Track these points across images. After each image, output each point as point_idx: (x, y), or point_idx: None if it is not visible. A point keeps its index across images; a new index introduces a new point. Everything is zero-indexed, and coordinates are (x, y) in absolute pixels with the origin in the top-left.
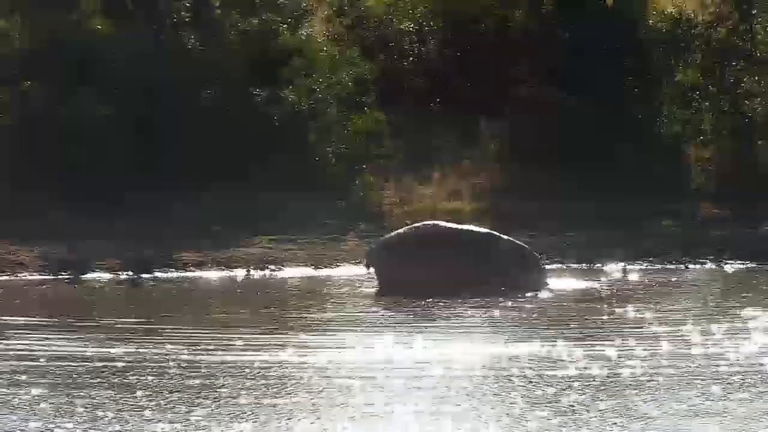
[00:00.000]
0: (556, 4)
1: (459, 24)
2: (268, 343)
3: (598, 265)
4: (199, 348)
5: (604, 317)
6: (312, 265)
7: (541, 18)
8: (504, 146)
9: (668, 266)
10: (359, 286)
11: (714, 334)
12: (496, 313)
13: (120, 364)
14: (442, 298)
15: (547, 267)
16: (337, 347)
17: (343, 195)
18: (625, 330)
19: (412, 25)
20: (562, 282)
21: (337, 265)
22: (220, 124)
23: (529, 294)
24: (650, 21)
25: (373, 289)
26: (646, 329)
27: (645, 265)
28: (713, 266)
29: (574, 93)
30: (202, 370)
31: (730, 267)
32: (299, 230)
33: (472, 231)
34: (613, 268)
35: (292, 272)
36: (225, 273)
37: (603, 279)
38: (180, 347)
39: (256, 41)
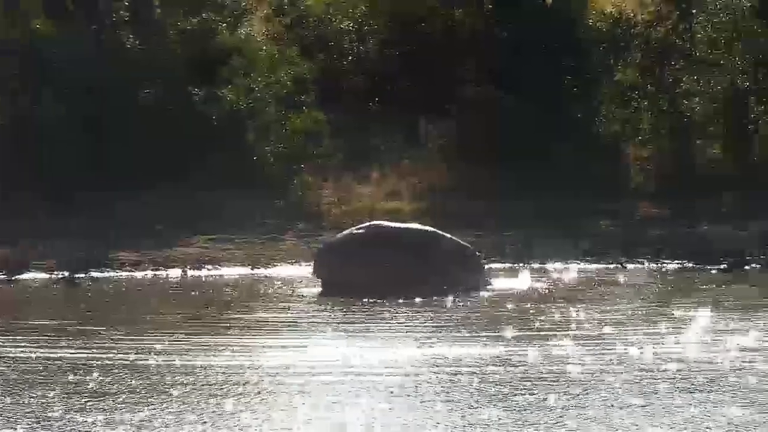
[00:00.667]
0: (494, 4)
1: (401, 24)
2: (210, 344)
3: (539, 264)
4: (141, 350)
5: (545, 317)
6: (249, 264)
7: (481, 18)
8: (447, 146)
9: (607, 265)
10: (298, 287)
11: (655, 333)
12: (437, 313)
13: (64, 366)
14: (383, 298)
15: (488, 266)
16: (280, 348)
17: (282, 194)
18: (566, 329)
19: (351, 25)
20: (502, 281)
21: (275, 265)
22: (160, 124)
23: (470, 293)
24: (589, 20)
25: (313, 290)
26: (588, 329)
27: (584, 264)
28: (652, 265)
29: (514, 92)
30: (146, 372)
31: (668, 266)
32: (238, 229)
33: (413, 231)
34: (554, 268)
35: (229, 272)
36: (161, 273)
37: (543, 278)
38: (120, 348)
39: (195, 40)
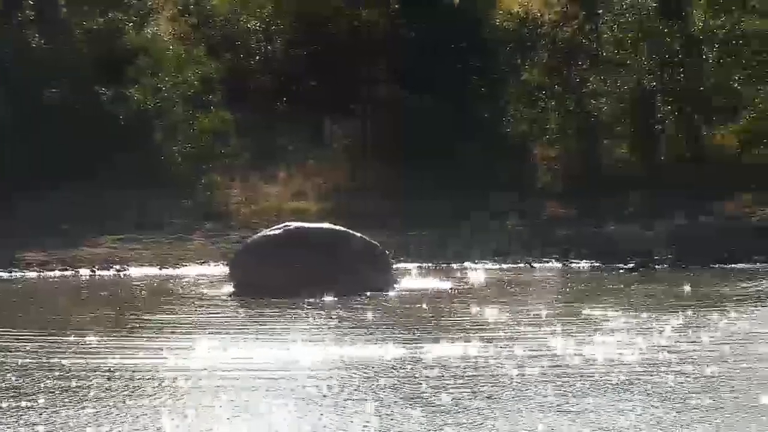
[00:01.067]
0: (400, 4)
1: (307, 24)
2: (123, 345)
3: (446, 263)
4: (54, 351)
5: (457, 317)
6: (157, 264)
7: (387, 18)
8: (351, 146)
9: (515, 265)
10: (208, 287)
11: (569, 333)
12: (349, 312)
13: None
14: (293, 298)
15: (397, 266)
16: (194, 349)
17: (189, 194)
18: (479, 329)
19: (258, 25)
20: (410, 281)
21: (183, 265)
22: (67, 123)
23: (379, 293)
24: (496, 20)
25: (224, 290)
26: (501, 329)
27: (492, 263)
28: (559, 265)
29: (420, 92)
30: (62, 373)
31: (575, 266)
32: (145, 229)
33: (323, 231)
34: (461, 267)
35: (137, 272)
36: (69, 273)
37: (451, 278)
38: (33, 349)
39: (102, 40)
